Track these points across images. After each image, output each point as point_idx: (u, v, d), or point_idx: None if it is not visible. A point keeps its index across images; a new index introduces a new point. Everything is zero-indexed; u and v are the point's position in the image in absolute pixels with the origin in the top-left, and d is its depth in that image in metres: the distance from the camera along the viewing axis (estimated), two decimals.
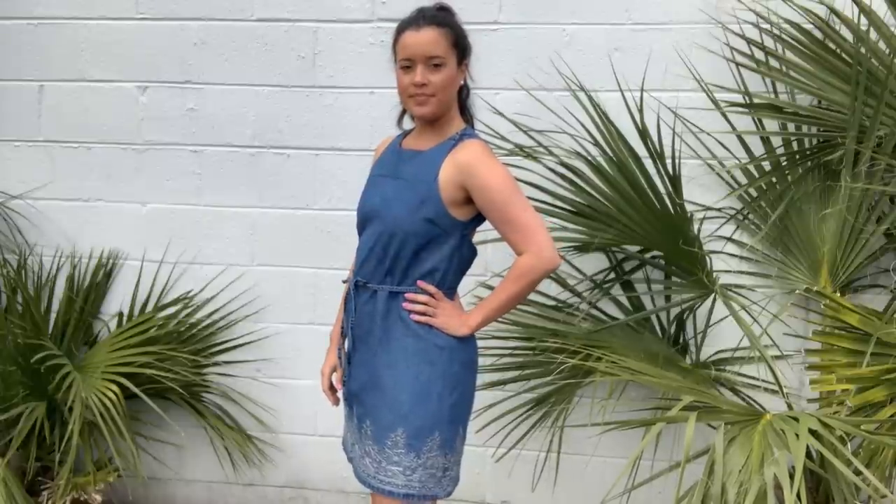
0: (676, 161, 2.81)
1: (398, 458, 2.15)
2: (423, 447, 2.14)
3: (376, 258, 2.18)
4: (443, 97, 2.14)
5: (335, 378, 2.37)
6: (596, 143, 2.88)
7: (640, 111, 2.80)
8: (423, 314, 2.16)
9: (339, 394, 2.36)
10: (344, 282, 2.34)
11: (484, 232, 2.98)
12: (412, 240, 2.14)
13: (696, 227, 2.89)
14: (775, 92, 2.89)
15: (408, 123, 2.35)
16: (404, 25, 2.16)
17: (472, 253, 2.25)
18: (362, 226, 2.25)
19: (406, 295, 2.17)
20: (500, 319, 2.95)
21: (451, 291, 2.23)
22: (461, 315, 2.21)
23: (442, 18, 2.16)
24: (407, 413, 2.14)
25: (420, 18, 2.14)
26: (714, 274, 2.84)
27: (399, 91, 2.18)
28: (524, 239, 2.14)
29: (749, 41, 2.89)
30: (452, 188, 2.12)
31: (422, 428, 2.13)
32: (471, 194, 2.13)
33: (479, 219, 2.20)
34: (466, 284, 3.01)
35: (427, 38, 2.11)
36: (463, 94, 2.26)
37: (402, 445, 2.14)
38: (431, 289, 2.17)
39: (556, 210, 2.89)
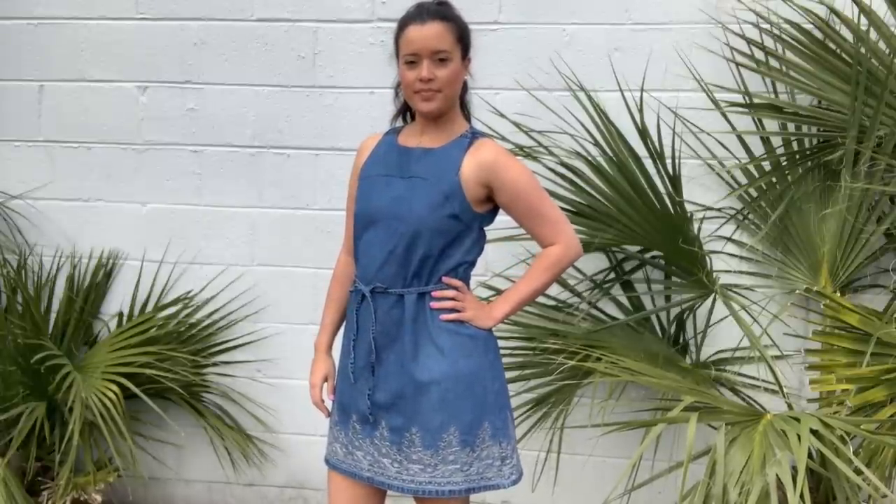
0: (676, 161, 2.81)
1: (454, 457, 2.11)
2: (475, 440, 2.11)
3: (398, 261, 2.12)
4: (449, 92, 2.11)
5: (326, 389, 2.32)
6: (596, 144, 2.88)
7: (641, 111, 2.80)
8: (453, 310, 2.14)
9: (329, 404, 2.31)
10: (352, 291, 2.23)
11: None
12: (438, 237, 2.10)
13: (696, 227, 2.89)
14: (775, 92, 2.89)
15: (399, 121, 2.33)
16: (407, 20, 2.10)
17: (485, 242, 2.25)
18: (365, 228, 2.17)
19: (433, 293, 2.13)
20: None
21: (467, 285, 2.23)
22: (485, 307, 2.20)
23: (446, 12, 2.13)
24: (455, 410, 2.10)
25: (424, 12, 2.10)
26: (714, 274, 2.84)
27: (403, 87, 2.15)
28: (554, 231, 2.18)
29: (749, 41, 2.89)
30: (475, 185, 2.11)
31: (472, 422, 2.10)
32: (495, 191, 2.12)
33: (494, 212, 2.20)
34: None
35: (433, 32, 2.07)
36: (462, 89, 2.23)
37: (455, 444, 2.10)
38: (456, 282, 2.16)
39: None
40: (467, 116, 2.25)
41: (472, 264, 2.21)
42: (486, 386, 2.13)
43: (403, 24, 2.11)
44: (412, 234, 2.10)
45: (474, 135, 2.17)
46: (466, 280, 2.21)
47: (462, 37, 2.13)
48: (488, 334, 2.19)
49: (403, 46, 2.10)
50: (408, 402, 2.12)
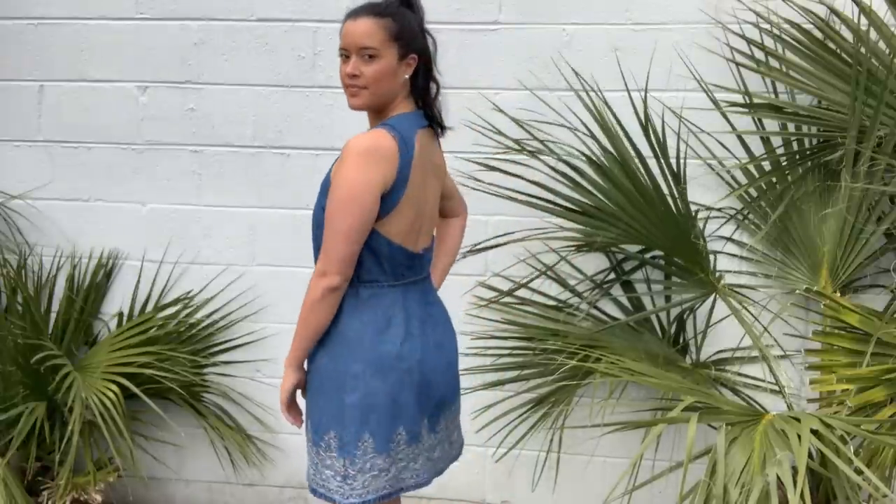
0: (681, 161, 2.81)
1: (307, 450, 2.15)
2: (320, 441, 2.10)
3: (315, 252, 2.15)
4: (376, 90, 2.07)
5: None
6: (597, 142, 2.88)
7: (645, 112, 2.80)
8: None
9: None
10: None
11: (483, 232, 2.99)
12: (319, 231, 2.08)
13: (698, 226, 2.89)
14: (775, 92, 2.89)
15: None
16: (347, 15, 2.11)
17: (389, 246, 2.07)
18: None
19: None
20: (499, 319, 2.97)
21: (391, 288, 2.11)
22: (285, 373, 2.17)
23: (384, 9, 2.08)
24: (310, 404, 2.14)
25: (361, 9, 2.09)
26: (717, 273, 2.84)
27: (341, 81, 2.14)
28: (321, 255, 2.05)
29: (749, 41, 2.88)
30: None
31: (319, 423, 2.09)
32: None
33: (383, 208, 2.03)
34: (467, 284, 3.03)
35: (361, 29, 2.05)
36: (432, 90, 2.15)
37: (309, 437, 2.14)
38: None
39: (558, 208, 2.89)
40: (437, 118, 2.17)
41: (375, 265, 2.08)
42: (342, 395, 2.05)
43: (345, 18, 2.12)
44: (313, 227, 2.14)
45: (378, 127, 2.08)
46: (383, 284, 2.10)
47: (400, 35, 2.07)
48: (370, 343, 2.07)
49: (340, 40, 2.11)
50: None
